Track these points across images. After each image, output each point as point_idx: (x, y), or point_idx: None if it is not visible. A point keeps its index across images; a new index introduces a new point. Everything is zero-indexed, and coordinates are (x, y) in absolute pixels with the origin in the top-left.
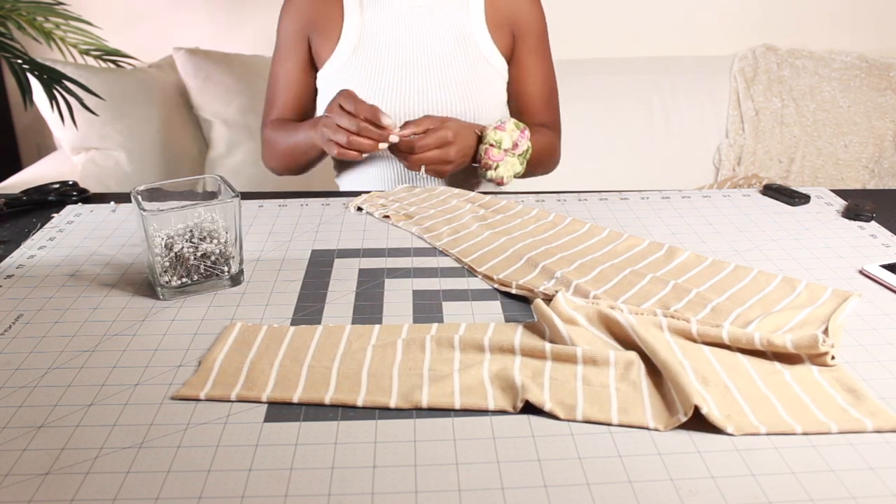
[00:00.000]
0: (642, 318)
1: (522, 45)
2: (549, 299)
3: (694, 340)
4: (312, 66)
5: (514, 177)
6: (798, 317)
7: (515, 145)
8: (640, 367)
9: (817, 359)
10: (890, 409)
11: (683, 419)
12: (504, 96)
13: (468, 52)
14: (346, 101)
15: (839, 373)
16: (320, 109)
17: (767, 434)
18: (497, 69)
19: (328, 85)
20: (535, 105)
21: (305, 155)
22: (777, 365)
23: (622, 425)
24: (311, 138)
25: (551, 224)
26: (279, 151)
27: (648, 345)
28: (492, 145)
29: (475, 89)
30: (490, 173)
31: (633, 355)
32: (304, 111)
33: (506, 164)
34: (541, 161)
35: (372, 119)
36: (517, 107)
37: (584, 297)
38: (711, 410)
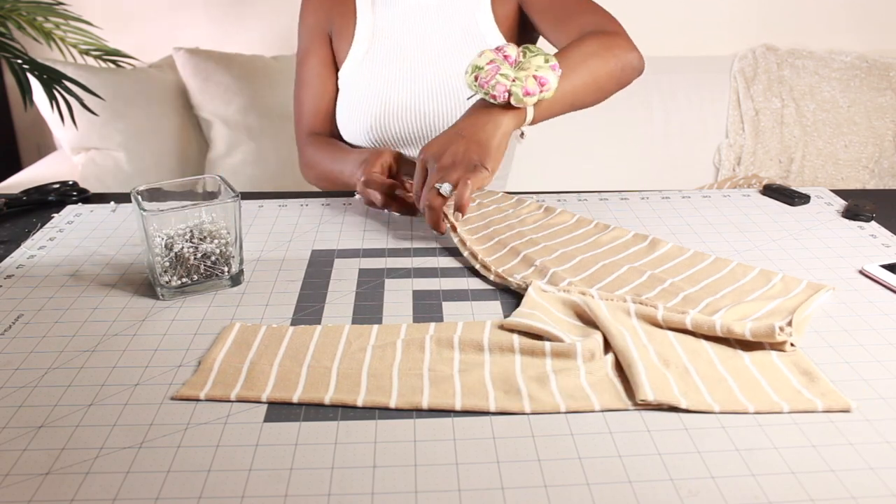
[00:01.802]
0: (612, 304)
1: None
2: (523, 289)
3: (660, 326)
4: (335, 63)
5: (554, 77)
6: (766, 307)
7: (502, 55)
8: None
9: (776, 345)
10: (842, 391)
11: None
12: None
13: (475, 45)
14: (369, 184)
15: (797, 357)
16: (340, 109)
17: (721, 413)
18: None
19: (346, 86)
20: (558, 16)
21: (347, 186)
22: (738, 350)
23: (640, 406)
24: (352, 178)
25: (541, 215)
26: (322, 174)
27: (608, 331)
28: (476, 74)
29: None
30: (515, 88)
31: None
32: (334, 114)
33: (520, 72)
34: (600, 68)
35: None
36: (551, 35)
37: (556, 286)
38: (668, 384)
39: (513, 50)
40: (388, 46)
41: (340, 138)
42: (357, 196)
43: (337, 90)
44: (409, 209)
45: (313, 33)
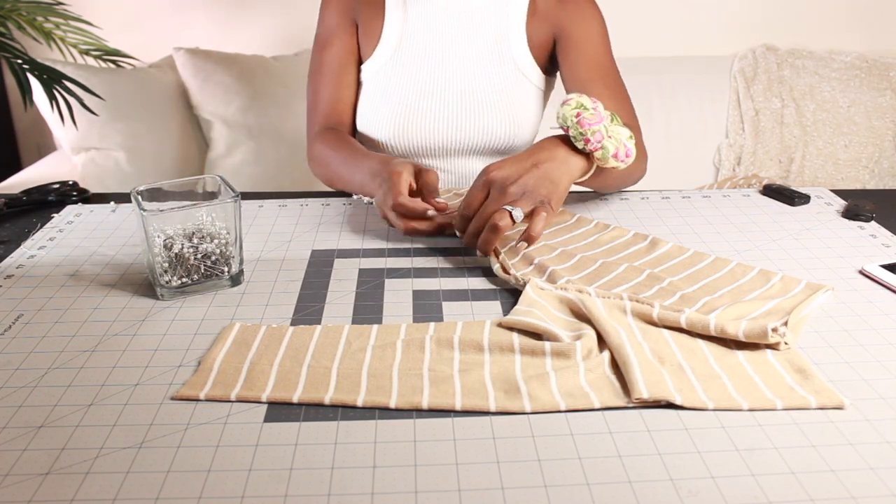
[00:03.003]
0: (608, 302)
1: (569, 42)
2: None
3: (655, 324)
4: (358, 54)
5: (632, 155)
6: (764, 307)
7: (598, 108)
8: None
9: (771, 344)
10: (842, 390)
11: (646, 396)
12: (540, 110)
13: (503, 59)
14: (390, 194)
15: (791, 354)
16: (363, 104)
17: (715, 409)
18: (530, 79)
19: (369, 85)
20: (591, 79)
21: (358, 192)
22: (733, 348)
23: (638, 405)
24: (366, 188)
25: None
26: (332, 174)
27: (604, 328)
28: (579, 111)
29: (508, 97)
30: (608, 144)
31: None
32: (352, 107)
33: (613, 132)
34: (631, 167)
35: (419, 215)
36: (570, 87)
37: (553, 284)
38: (663, 380)
39: (603, 109)
40: (416, 50)
41: (355, 132)
42: (356, 197)
43: (358, 83)
44: (434, 230)
45: (340, 17)
